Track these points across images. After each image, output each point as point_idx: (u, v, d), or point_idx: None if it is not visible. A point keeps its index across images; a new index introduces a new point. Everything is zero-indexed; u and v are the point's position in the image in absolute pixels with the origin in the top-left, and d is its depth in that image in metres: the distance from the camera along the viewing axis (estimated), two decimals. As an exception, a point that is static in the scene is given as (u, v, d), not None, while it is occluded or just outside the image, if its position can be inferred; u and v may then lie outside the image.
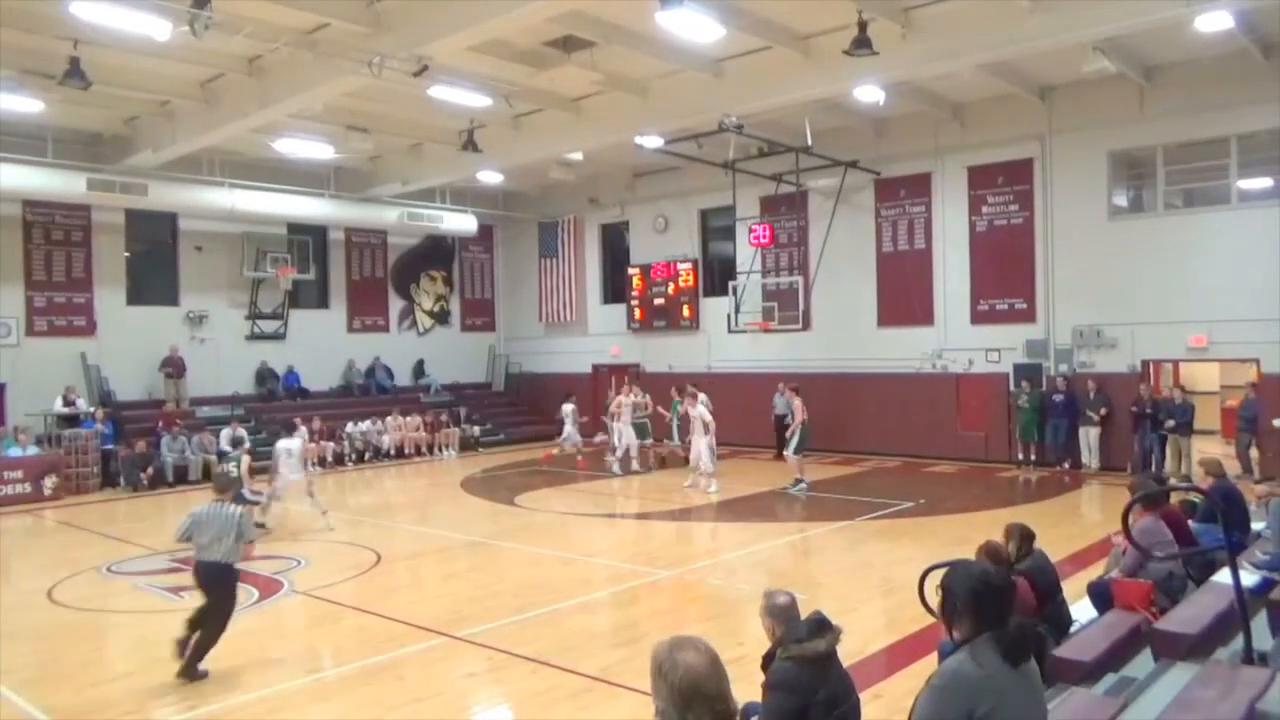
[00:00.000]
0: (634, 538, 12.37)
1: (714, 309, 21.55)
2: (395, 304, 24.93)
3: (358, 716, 6.31)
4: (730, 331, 19.64)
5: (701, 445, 15.47)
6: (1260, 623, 5.11)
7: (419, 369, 24.90)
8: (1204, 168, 16.06)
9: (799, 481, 15.19)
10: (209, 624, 7.01)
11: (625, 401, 18.13)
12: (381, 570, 10.75)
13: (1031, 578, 5.60)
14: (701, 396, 16.16)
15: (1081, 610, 6.21)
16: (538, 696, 6.58)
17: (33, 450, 17.02)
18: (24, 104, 15.03)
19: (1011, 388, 17.50)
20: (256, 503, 12.47)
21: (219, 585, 7.13)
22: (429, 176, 21.16)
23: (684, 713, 2.45)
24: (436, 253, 25.73)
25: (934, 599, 3.59)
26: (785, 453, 15.48)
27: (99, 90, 13.93)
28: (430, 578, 10.68)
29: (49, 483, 16.63)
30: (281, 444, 13.43)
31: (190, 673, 6.88)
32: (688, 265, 22.59)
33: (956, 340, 18.35)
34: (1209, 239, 15.51)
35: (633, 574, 10.24)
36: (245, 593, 9.52)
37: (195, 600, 9.41)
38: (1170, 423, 15.55)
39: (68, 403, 18.09)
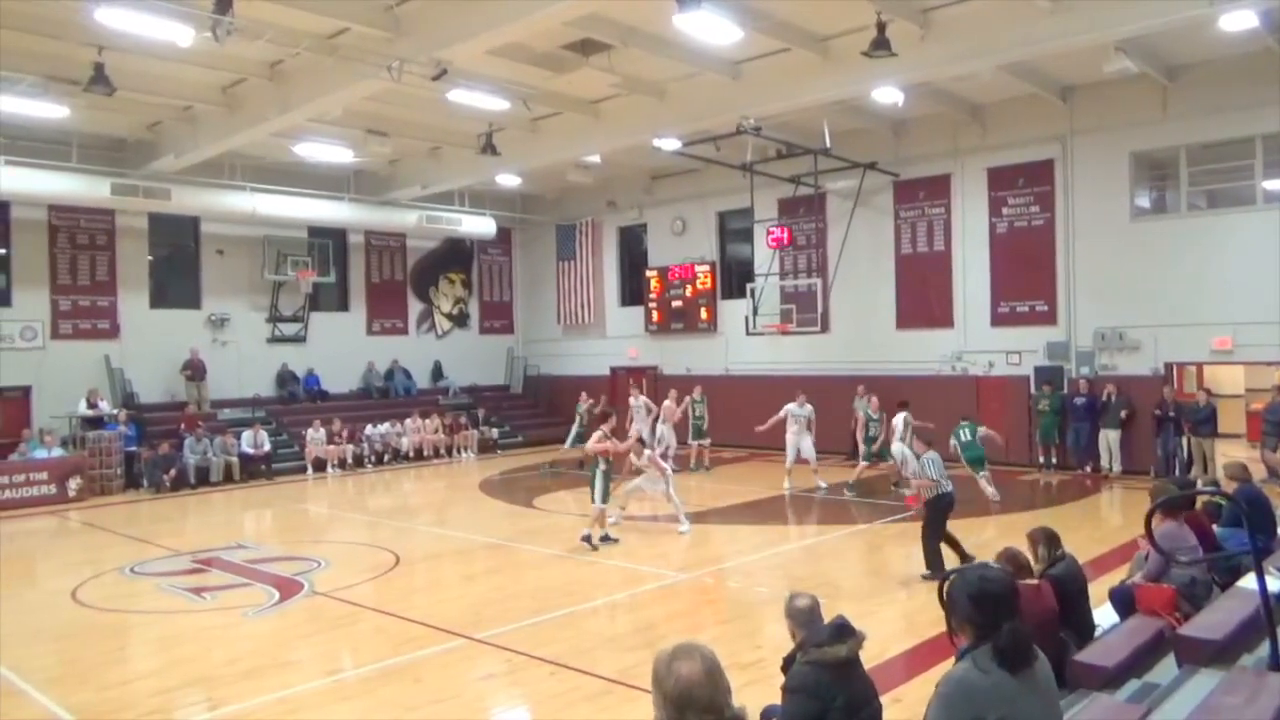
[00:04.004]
0: (651, 540, 12.34)
1: (732, 311, 21.51)
2: (414, 307, 25.05)
3: (377, 717, 6.34)
4: (748, 334, 19.60)
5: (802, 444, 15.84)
6: (1286, 629, 5.04)
7: (437, 371, 25.00)
8: (1228, 168, 15.88)
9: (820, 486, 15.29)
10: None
11: (670, 406, 18.15)
12: (400, 572, 10.80)
13: (1059, 583, 5.54)
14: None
15: (1103, 615, 6.14)
16: (556, 698, 6.58)
17: (58, 452, 17.23)
18: (49, 110, 15.21)
19: (1032, 390, 17.37)
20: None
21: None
22: (448, 180, 21.25)
23: None
24: (455, 255, 25.85)
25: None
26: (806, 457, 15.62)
27: (122, 96, 14.10)
28: (449, 579, 10.72)
29: (73, 484, 16.82)
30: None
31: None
32: (705, 267, 22.58)
33: (976, 342, 18.23)
34: (1233, 240, 15.34)
35: (651, 576, 10.23)
36: (266, 594, 9.65)
37: (215, 602, 9.54)
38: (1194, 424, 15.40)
39: (92, 405, 18.28)
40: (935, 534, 9.42)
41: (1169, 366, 16.31)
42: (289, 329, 22.37)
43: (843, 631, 3.83)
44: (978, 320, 18.24)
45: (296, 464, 19.82)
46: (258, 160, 19.78)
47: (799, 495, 15.26)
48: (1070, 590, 5.63)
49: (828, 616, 4.19)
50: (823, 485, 15.31)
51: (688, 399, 18.42)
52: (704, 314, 22.58)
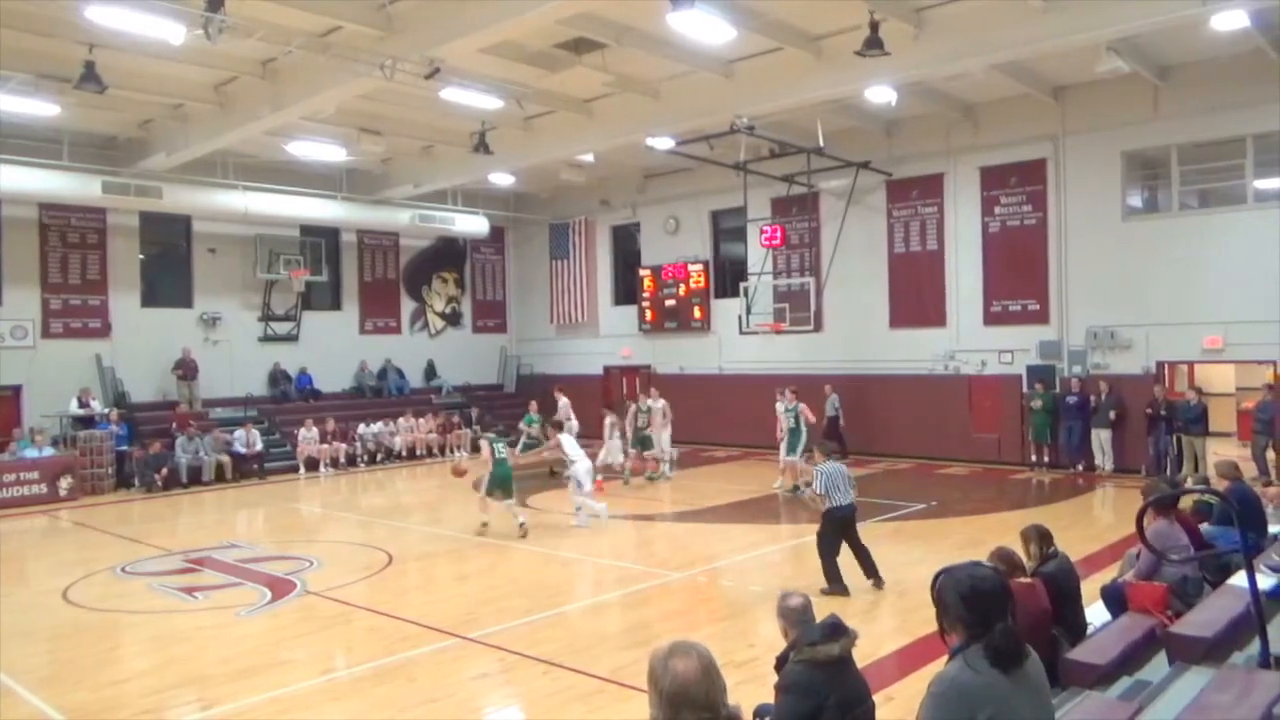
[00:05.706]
0: (644, 539, 12.36)
1: (725, 310, 21.52)
2: (407, 305, 25.01)
3: (370, 717, 6.33)
4: (742, 333, 19.59)
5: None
6: (1277, 626, 5.06)
7: (430, 370, 24.97)
8: (1219, 168, 15.94)
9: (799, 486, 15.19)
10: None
11: (656, 407, 17.84)
12: (393, 571, 10.79)
13: (1051, 581, 5.56)
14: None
15: (1095, 614, 6.17)
16: (549, 698, 6.58)
17: (48, 451, 17.14)
18: (40, 107, 15.12)
19: (1025, 389, 17.42)
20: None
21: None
22: (441, 178, 21.21)
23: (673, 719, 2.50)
24: (448, 254, 25.81)
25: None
26: (788, 457, 15.40)
27: (114, 94, 14.04)
28: (442, 579, 10.70)
29: (64, 484, 16.75)
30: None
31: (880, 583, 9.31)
32: (699, 266, 22.58)
33: (969, 341, 18.27)
34: (1224, 239, 15.40)
35: (644, 575, 10.24)
36: (258, 593, 9.62)
37: (207, 602, 9.48)
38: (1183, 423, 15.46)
39: (83, 404, 18.22)
40: (826, 547, 9.22)
41: (1160, 365, 16.37)
42: (281, 328, 22.30)
43: (835, 630, 3.84)
44: (970, 319, 18.28)
45: (289, 463, 19.77)
46: (250, 159, 19.71)
47: (791, 493, 15.25)
48: (1063, 588, 5.66)
49: (820, 615, 4.20)
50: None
51: (634, 407, 17.77)
52: (697, 313, 22.58)
